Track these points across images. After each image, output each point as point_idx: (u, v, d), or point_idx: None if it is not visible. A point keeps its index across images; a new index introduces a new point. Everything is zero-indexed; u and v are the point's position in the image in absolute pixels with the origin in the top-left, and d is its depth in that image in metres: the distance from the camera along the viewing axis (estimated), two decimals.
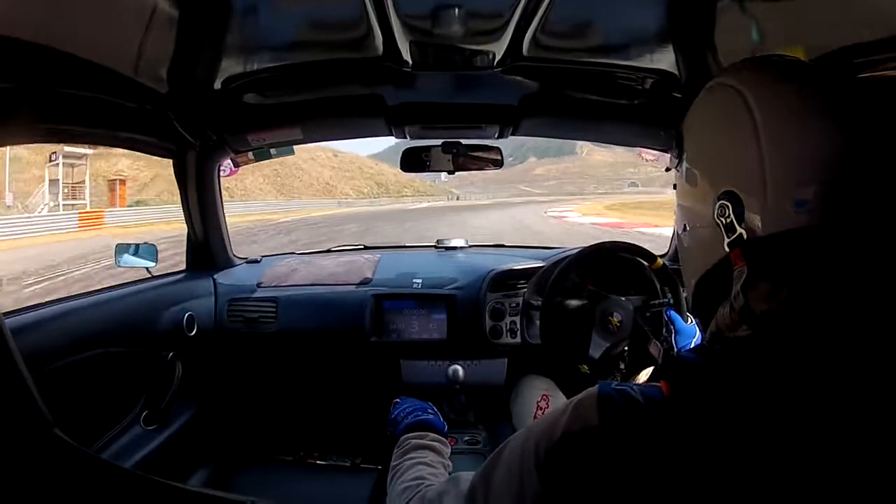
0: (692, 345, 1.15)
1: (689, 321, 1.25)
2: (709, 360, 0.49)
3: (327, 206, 41.11)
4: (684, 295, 1.38)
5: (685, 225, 0.59)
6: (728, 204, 0.49)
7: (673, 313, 1.29)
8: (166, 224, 19.68)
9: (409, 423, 0.92)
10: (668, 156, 0.66)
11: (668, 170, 0.68)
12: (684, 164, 0.59)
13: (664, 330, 1.32)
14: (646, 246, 1.47)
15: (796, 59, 0.54)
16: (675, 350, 1.22)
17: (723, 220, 0.50)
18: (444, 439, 0.90)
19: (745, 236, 0.48)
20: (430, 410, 0.97)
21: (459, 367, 1.59)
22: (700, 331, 1.26)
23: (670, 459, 0.44)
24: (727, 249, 0.50)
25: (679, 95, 1.30)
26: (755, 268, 0.48)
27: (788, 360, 0.44)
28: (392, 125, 1.56)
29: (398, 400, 1.03)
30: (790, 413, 0.42)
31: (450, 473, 0.82)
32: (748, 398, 0.44)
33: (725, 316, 0.51)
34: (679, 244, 0.63)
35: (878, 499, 0.40)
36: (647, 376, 1.35)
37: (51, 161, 26.91)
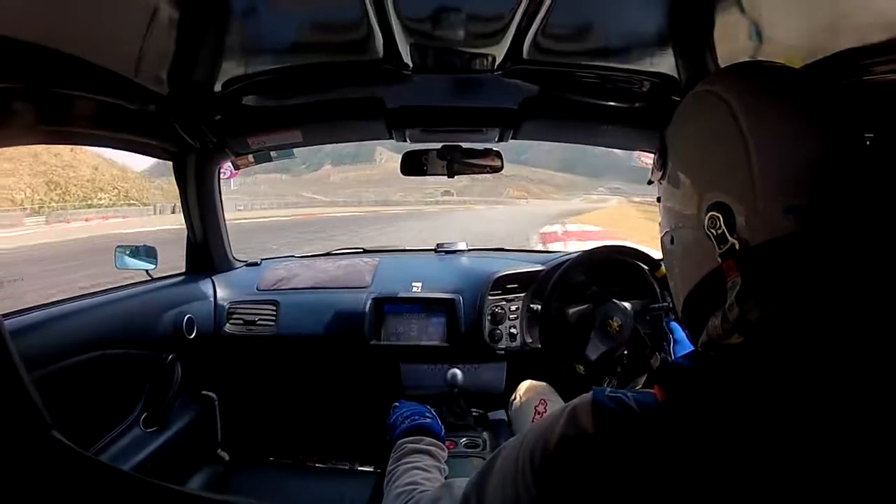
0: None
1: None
2: (703, 366, 0.49)
3: None
4: None
5: (672, 237, 0.59)
6: (719, 215, 0.49)
7: (673, 324, 1.29)
8: None
9: (406, 428, 0.92)
10: (652, 167, 0.65)
11: (650, 182, 0.68)
12: (669, 175, 0.59)
13: (663, 339, 1.31)
14: None
15: (780, 65, 0.55)
16: (672, 359, 1.22)
17: (713, 231, 0.49)
18: (441, 443, 0.90)
19: (737, 246, 0.48)
20: (427, 414, 0.97)
21: (458, 371, 1.59)
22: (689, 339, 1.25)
23: (666, 467, 0.43)
24: (719, 260, 0.50)
25: (679, 99, 1.30)
26: (749, 278, 0.48)
27: (783, 365, 0.44)
28: (392, 128, 1.56)
29: (397, 404, 1.03)
30: (785, 419, 0.42)
31: (446, 477, 0.82)
32: (743, 405, 0.43)
33: (717, 326, 0.50)
34: (666, 255, 0.62)
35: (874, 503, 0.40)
36: (642, 382, 1.35)
37: None
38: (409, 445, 0.87)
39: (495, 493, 0.54)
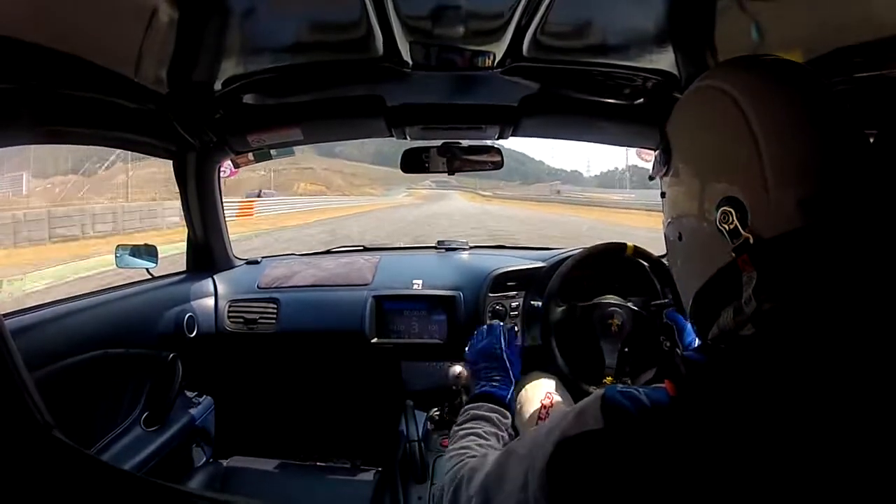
0: (697, 341, 1.15)
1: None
2: (714, 359, 0.49)
3: None
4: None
5: (680, 233, 0.58)
6: (731, 210, 0.49)
7: (674, 313, 1.29)
8: None
9: (475, 394, 0.95)
10: (653, 162, 0.65)
11: (651, 178, 0.67)
12: (674, 170, 0.58)
13: (664, 331, 1.31)
14: None
15: (783, 59, 0.54)
16: (682, 348, 1.22)
17: (726, 226, 0.49)
18: (504, 409, 0.91)
19: (751, 240, 0.48)
20: (496, 377, 0.98)
21: (459, 367, 1.59)
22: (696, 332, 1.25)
23: (679, 461, 0.43)
24: (732, 255, 0.49)
25: (679, 96, 1.30)
26: (764, 271, 0.48)
27: (795, 356, 0.44)
28: (392, 126, 1.56)
29: (474, 341, 1.07)
30: (798, 412, 0.42)
31: (506, 444, 0.83)
32: (756, 397, 0.43)
33: (729, 319, 0.50)
34: (672, 252, 0.62)
35: (887, 497, 0.40)
36: (651, 377, 1.34)
37: None
38: (472, 411, 0.89)
39: (511, 484, 0.55)
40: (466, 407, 0.91)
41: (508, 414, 0.90)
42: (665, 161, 0.60)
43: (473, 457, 0.73)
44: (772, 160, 0.47)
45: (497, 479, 0.58)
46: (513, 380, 0.98)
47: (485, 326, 1.11)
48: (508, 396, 0.94)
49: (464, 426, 0.85)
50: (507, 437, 0.87)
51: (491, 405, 0.90)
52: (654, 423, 0.46)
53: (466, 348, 1.09)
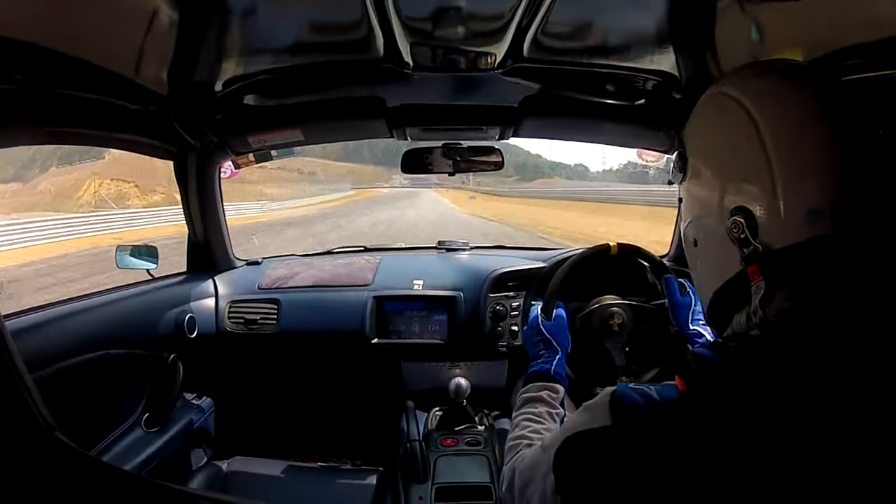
0: (691, 315, 1.15)
1: (685, 290, 1.23)
2: (724, 356, 0.50)
3: None
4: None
5: (696, 239, 0.60)
6: (741, 220, 0.49)
7: (670, 278, 1.25)
8: None
9: (527, 375, 0.99)
10: (672, 168, 0.66)
11: (670, 183, 0.68)
12: (689, 178, 0.59)
13: (664, 326, 1.31)
14: None
15: (796, 63, 0.55)
16: (678, 325, 1.20)
17: (736, 235, 0.50)
18: (555, 382, 0.95)
19: (760, 250, 0.48)
20: (542, 353, 1.02)
21: (462, 381, 1.57)
22: (704, 318, 1.22)
23: (689, 455, 0.44)
24: (743, 265, 0.50)
25: (679, 96, 1.30)
26: (773, 281, 0.48)
27: (804, 356, 0.45)
28: (393, 127, 1.56)
29: (528, 328, 1.09)
30: (806, 409, 0.42)
31: (562, 419, 0.88)
32: (765, 394, 0.44)
33: (742, 324, 0.51)
34: (690, 259, 0.63)
35: (888, 491, 0.40)
36: (653, 375, 1.34)
37: None
38: (524, 395, 0.93)
39: (532, 477, 0.58)
40: (521, 391, 0.94)
41: (558, 386, 0.94)
42: (681, 167, 0.61)
43: (529, 446, 0.75)
44: (781, 169, 0.47)
45: (531, 469, 0.61)
46: (558, 348, 1.02)
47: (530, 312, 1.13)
48: (553, 368, 0.97)
49: (520, 412, 0.88)
50: (561, 410, 0.90)
51: (540, 383, 0.93)
52: (665, 416, 0.46)
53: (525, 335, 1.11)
